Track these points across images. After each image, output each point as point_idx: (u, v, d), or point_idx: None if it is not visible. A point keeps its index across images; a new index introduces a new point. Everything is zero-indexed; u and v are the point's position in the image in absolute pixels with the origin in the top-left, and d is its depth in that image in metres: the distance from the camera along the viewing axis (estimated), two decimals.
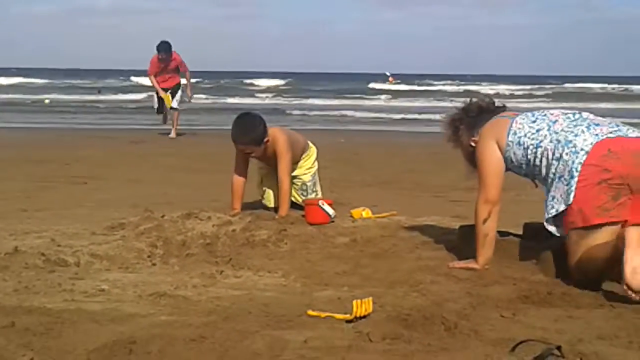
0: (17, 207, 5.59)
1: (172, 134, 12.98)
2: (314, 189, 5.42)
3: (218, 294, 3.17)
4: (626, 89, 39.28)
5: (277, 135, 5.13)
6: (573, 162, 3.39)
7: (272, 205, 5.33)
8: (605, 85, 41.37)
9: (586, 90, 37.86)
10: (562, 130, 3.53)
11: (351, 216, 4.96)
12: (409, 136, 14.02)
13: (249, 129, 5.00)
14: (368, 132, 15.35)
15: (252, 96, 32.46)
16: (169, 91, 13.17)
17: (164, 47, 12.78)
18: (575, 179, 3.36)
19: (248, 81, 43.93)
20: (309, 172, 5.42)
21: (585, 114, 3.66)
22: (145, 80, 19.25)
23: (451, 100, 23.18)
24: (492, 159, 3.70)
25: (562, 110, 3.74)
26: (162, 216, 4.58)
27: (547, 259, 3.60)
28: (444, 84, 43.38)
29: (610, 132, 3.43)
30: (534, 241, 3.87)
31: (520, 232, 4.12)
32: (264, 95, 33.78)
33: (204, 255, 3.88)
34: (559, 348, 2.31)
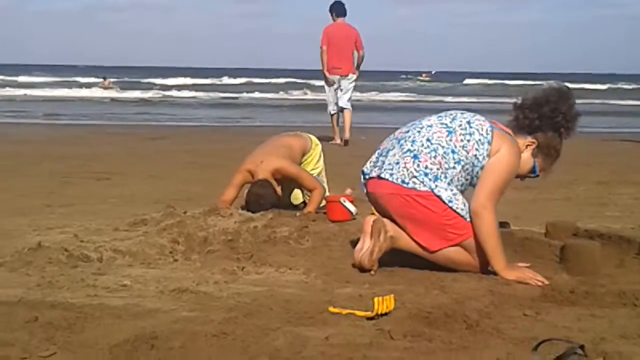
0: (41, 203, 5.64)
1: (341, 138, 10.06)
2: None
3: (239, 290, 3.17)
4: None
5: (277, 166, 5.04)
6: None
7: (298, 201, 5.32)
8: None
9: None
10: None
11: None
12: None
13: (264, 203, 4.90)
14: (388, 129, 15.28)
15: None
16: (339, 81, 9.88)
17: (340, 9, 9.25)
18: None
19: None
20: (314, 174, 5.37)
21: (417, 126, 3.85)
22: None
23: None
24: None
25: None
26: (184, 212, 4.60)
27: (570, 257, 3.58)
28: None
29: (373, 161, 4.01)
30: (557, 240, 3.85)
31: (543, 231, 4.10)
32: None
33: (226, 252, 3.89)
34: (582, 347, 2.29)
